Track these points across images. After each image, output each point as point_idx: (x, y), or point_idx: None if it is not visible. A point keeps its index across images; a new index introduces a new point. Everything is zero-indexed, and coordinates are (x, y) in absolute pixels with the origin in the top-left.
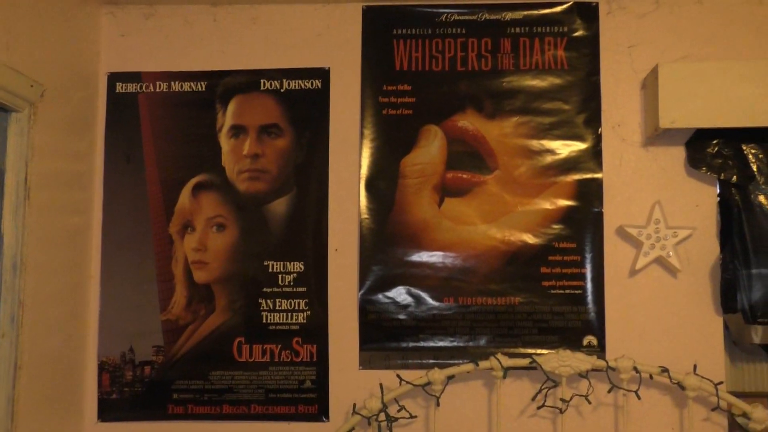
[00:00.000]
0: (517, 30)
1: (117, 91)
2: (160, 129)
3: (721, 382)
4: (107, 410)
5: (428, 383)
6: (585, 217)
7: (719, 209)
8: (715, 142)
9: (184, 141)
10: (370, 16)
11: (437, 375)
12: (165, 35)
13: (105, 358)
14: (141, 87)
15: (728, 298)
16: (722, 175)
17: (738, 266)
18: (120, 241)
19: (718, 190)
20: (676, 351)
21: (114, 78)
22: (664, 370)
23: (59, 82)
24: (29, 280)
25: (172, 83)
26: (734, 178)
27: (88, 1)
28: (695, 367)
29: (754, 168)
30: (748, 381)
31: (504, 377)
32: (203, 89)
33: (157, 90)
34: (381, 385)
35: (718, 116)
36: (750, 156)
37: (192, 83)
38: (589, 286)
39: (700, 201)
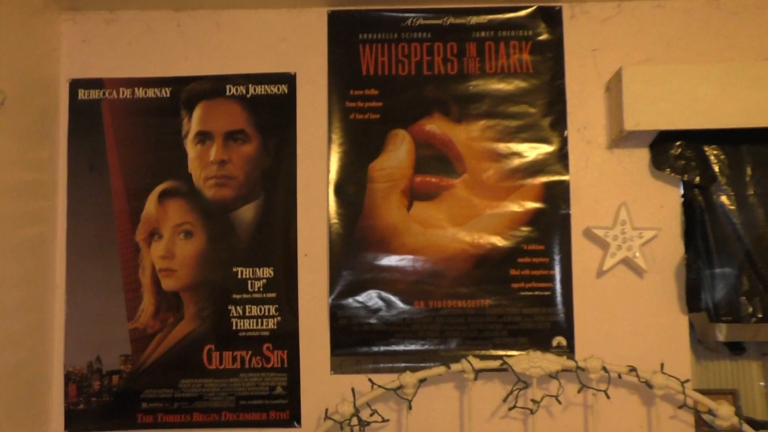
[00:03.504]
0: (483, 34)
1: (79, 98)
2: (125, 136)
3: (687, 380)
4: (74, 421)
5: (400, 387)
6: (553, 220)
7: (683, 210)
8: (678, 144)
9: (149, 148)
10: (335, 20)
11: (409, 378)
12: (127, 41)
13: (71, 369)
14: (104, 93)
15: (693, 297)
16: (685, 176)
17: (702, 266)
18: (85, 250)
19: (682, 191)
20: (643, 350)
21: (76, 84)
22: (632, 369)
23: (20, 89)
24: None
25: (136, 90)
26: (697, 179)
27: (48, 8)
28: (662, 365)
29: (716, 169)
30: (713, 378)
31: (475, 379)
32: (168, 95)
33: (121, 96)
34: (353, 389)
35: (681, 118)
36: (711, 157)
37: (156, 89)
38: (557, 287)
39: (664, 202)
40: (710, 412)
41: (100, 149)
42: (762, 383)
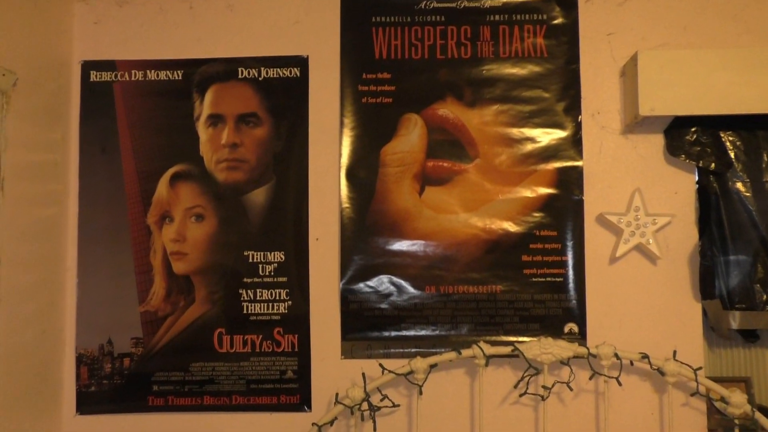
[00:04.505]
0: (497, 17)
1: (91, 79)
2: (137, 118)
3: (700, 368)
4: (86, 403)
5: (411, 372)
6: (565, 205)
7: (698, 196)
8: (693, 129)
9: (161, 130)
10: (348, 3)
11: (420, 364)
12: (140, 23)
13: (83, 351)
14: (116, 76)
15: (707, 284)
16: (700, 162)
17: (716, 253)
18: (97, 232)
19: (697, 178)
20: (656, 337)
21: (88, 66)
22: (645, 356)
23: (32, 70)
24: (4, 274)
25: (148, 72)
26: (712, 165)
27: None
28: (675, 353)
29: (732, 155)
30: (726, 366)
31: (486, 365)
32: (180, 78)
33: (133, 79)
34: (363, 374)
35: (697, 104)
36: (727, 143)
37: (168, 72)
38: (570, 273)
39: (679, 188)
40: (723, 399)
41: (112, 131)
42: None
